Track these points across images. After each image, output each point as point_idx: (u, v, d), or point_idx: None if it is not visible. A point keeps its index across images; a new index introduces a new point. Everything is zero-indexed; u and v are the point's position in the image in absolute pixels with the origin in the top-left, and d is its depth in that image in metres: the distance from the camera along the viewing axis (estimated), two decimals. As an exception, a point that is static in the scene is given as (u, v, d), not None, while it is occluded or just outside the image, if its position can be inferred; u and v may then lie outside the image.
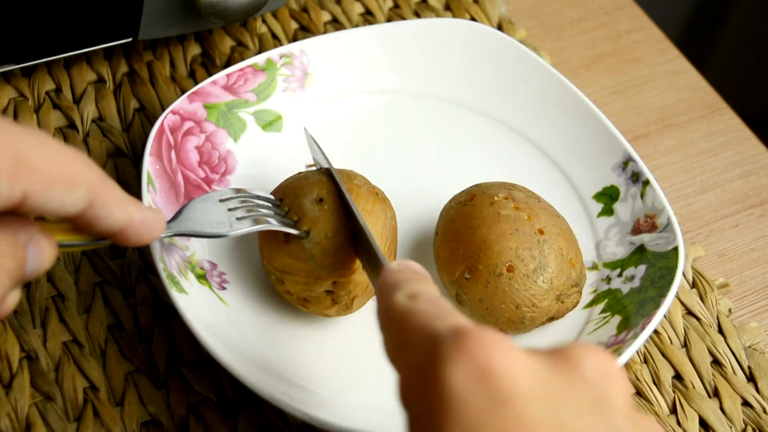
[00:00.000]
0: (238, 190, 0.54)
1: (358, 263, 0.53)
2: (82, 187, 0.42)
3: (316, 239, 0.53)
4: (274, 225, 0.52)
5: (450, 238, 0.56)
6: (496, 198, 0.56)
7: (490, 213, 0.55)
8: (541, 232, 0.55)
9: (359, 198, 0.55)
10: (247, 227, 0.52)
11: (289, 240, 0.53)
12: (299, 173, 0.57)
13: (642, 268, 0.58)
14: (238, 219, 0.52)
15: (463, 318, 0.38)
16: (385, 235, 0.55)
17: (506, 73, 0.66)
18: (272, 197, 0.55)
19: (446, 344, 0.34)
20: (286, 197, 0.55)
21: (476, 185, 0.58)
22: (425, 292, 0.40)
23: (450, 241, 0.56)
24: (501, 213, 0.55)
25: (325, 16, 0.73)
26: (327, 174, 0.55)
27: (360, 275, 0.53)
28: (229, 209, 0.52)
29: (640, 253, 0.59)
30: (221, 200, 0.53)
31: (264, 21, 0.72)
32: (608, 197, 0.62)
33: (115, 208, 0.44)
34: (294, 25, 0.72)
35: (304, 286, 0.54)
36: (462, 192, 0.58)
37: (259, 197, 0.54)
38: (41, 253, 0.43)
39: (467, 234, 0.55)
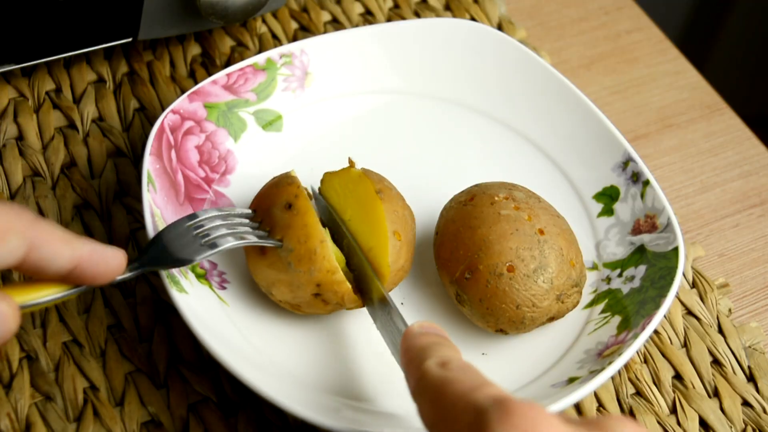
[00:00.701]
0: (209, 211, 0.53)
1: (336, 261, 0.53)
2: (12, 235, 0.42)
3: (290, 247, 0.52)
4: (233, 243, 0.52)
5: (450, 238, 0.56)
6: (496, 198, 0.56)
7: (491, 213, 0.55)
8: (541, 232, 0.55)
9: (391, 200, 0.55)
10: (208, 251, 0.51)
11: (265, 252, 0.53)
12: (272, 179, 0.56)
13: (642, 268, 0.58)
14: (203, 243, 0.51)
15: (498, 388, 0.40)
16: (408, 240, 0.55)
17: (506, 73, 0.66)
18: (248, 210, 0.55)
19: (493, 418, 0.37)
20: (259, 208, 0.55)
21: (476, 185, 0.58)
22: (454, 359, 0.43)
23: (450, 241, 0.56)
24: (501, 213, 0.55)
25: (325, 16, 0.73)
26: (293, 176, 0.55)
27: (343, 272, 0.53)
28: (196, 234, 0.52)
29: (640, 253, 0.59)
30: (188, 225, 0.52)
31: (264, 21, 0.72)
32: (608, 197, 0.62)
33: (57, 247, 0.44)
34: (294, 25, 0.72)
35: (290, 294, 0.54)
36: (462, 192, 0.58)
37: (231, 214, 0.54)
38: (1, 319, 0.43)
39: (467, 234, 0.55)
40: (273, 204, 0.54)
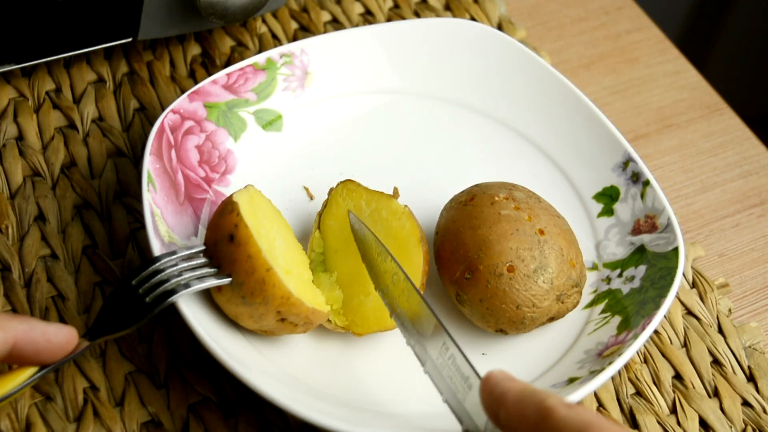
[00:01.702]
0: (157, 259, 0.51)
1: (290, 287, 0.51)
2: None
3: (239, 281, 0.51)
4: (175, 296, 0.50)
5: (450, 238, 0.56)
6: (496, 198, 0.56)
7: (491, 213, 0.55)
8: (541, 232, 0.55)
9: (425, 253, 0.55)
10: (152, 310, 0.50)
11: (220, 288, 0.52)
12: (219, 205, 0.54)
13: (642, 268, 0.58)
14: (148, 301, 0.50)
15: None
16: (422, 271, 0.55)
17: (507, 73, 0.66)
18: (200, 248, 0.53)
19: None
20: (208, 245, 0.53)
21: (477, 185, 0.58)
22: (570, 402, 0.43)
23: (450, 241, 0.56)
24: (501, 213, 0.55)
25: (325, 16, 0.73)
26: (235, 201, 0.52)
27: (300, 294, 0.52)
28: (142, 291, 0.51)
29: (640, 253, 0.59)
30: (134, 283, 0.51)
31: (264, 21, 0.72)
32: (608, 197, 0.62)
33: None
34: (294, 25, 0.72)
35: (256, 324, 0.53)
36: (462, 192, 0.58)
37: (183, 257, 0.52)
38: None
39: (468, 234, 0.55)
40: (217, 237, 0.52)
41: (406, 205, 0.56)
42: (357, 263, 0.55)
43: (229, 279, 0.51)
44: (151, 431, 0.53)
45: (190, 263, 0.52)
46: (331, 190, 0.58)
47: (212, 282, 0.51)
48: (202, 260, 0.52)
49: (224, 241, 0.51)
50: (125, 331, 0.50)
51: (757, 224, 0.66)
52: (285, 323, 0.52)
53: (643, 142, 0.69)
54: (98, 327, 0.50)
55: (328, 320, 0.55)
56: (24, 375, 0.47)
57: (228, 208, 0.52)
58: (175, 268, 0.52)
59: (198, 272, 0.52)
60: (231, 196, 0.53)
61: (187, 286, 0.51)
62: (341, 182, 0.58)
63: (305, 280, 0.54)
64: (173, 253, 0.52)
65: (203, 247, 0.53)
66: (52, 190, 0.62)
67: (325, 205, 0.58)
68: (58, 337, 0.48)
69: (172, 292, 0.51)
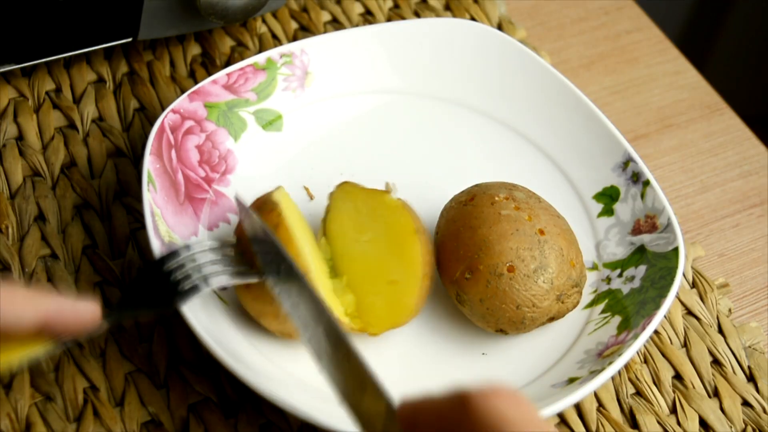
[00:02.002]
0: (189, 248, 0.51)
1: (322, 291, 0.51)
2: None
3: None
4: (210, 286, 0.50)
5: (450, 237, 0.56)
6: (496, 198, 0.56)
7: (491, 213, 0.55)
8: (541, 232, 0.55)
9: (425, 243, 0.54)
10: (187, 297, 0.49)
11: (249, 286, 0.52)
12: (258, 198, 0.54)
13: (642, 268, 0.58)
14: (181, 290, 0.49)
15: None
16: (431, 283, 0.55)
17: (507, 73, 0.66)
18: (230, 241, 0.53)
19: None
20: (242, 237, 0.53)
21: (477, 185, 0.58)
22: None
23: (450, 241, 0.56)
24: (502, 213, 0.55)
25: (325, 16, 0.73)
26: (275, 201, 0.52)
27: (329, 298, 0.52)
28: (174, 278, 0.50)
29: (640, 253, 0.59)
30: (166, 270, 0.50)
31: (264, 21, 0.72)
32: (608, 197, 0.62)
33: (19, 307, 0.45)
34: (294, 25, 0.72)
35: (278, 325, 0.53)
36: (463, 192, 0.58)
37: (213, 249, 0.51)
38: None
39: (468, 234, 0.55)
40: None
41: (399, 198, 0.56)
42: (363, 264, 0.55)
43: (262, 275, 0.51)
44: (151, 431, 0.53)
45: (222, 256, 0.52)
46: (331, 194, 0.58)
47: (245, 278, 0.51)
48: (232, 254, 0.52)
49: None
50: (151, 313, 0.50)
51: (757, 224, 0.66)
52: None
53: (643, 142, 0.69)
54: (123, 305, 0.50)
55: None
56: (25, 349, 0.46)
57: (268, 206, 0.52)
58: (208, 259, 0.51)
59: (232, 267, 0.51)
60: (270, 194, 0.53)
61: (222, 276, 0.50)
62: (339, 185, 0.58)
63: (327, 288, 0.54)
64: (205, 244, 0.52)
65: (234, 241, 0.53)
66: (52, 190, 0.62)
67: (327, 211, 0.58)
68: (86, 313, 0.47)
69: (206, 280, 0.50)
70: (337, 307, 0.53)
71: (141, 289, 0.50)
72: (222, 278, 0.50)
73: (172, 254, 0.50)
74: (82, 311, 0.47)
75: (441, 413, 0.40)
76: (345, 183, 0.58)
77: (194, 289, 0.49)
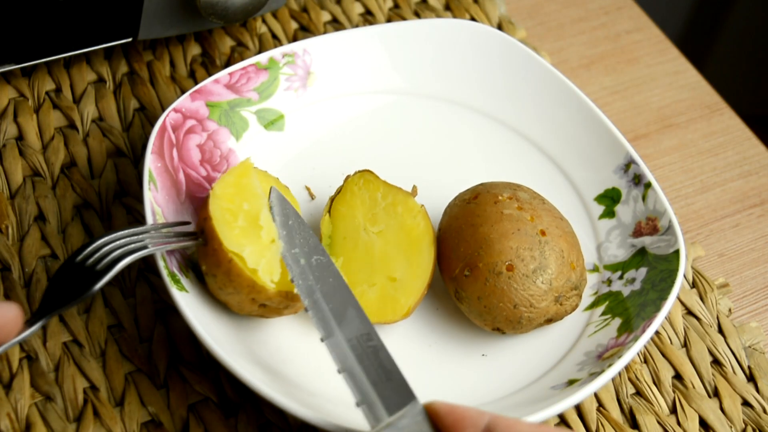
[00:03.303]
0: (104, 236, 0.50)
1: (259, 270, 0.52)
2: None
3: (212, 273, 0.52)
4: (130, 258, 0.49)
5: (452, 234, 0.56)
6: (500, 197, 0.56)
7: (493, 212, 0.55)
8: (543, 233, 0.55)
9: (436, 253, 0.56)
10: (105, 275, 0.49)
11: (206, 283, 0.53)
12: None
13: (643, 270, 0.58)
14: (99, 269, 0.49)
15: None
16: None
17: (507, 74, 0.66)
18: (185, 225, 0.54)
19: None
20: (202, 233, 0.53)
21: (481, 184, 0.58)
22: None
23: (452, 238, 0.56)
24: (504, 212, 0.55)
25: (325, 16, 0.73)
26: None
27: (270, 274, 0.52)
28: (91, 262, 0.49)
29: (641, 255, 0.59)
30: (80, 259, 0.49)
31: (264, 21, 0.72)
32: (610, 199, 0.62)
33: None
34: (294, 25, 0.72)
35: (243, 310, 0.53)
36: (467, 190, 0.58)
37: (132, 233, 0.51)
38: None
39: (469, 231, 0.55)
40: (197, 229, 0.54)
41: (422, 205, 0.57)
42: (364, 252, 0.56)
43: (192, 242, 0.53)
44: (151, 431, 0.53)
45: (146, 237, 0.52)
46: (348, 177, 0.58)
47: (181, 244, 0.52)
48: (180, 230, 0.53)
49: (200, 235, 0.53)
50: (74, 303, 0.48)
51: (757, 224, 0.66)
52: (267, 308, 0.53)
53: (643, 142, 0.69)
54: (45, 306, 0.48)
55: None
56: None
57: (207, 199, 0.53)
58: (125, 241, 0.50)
59: (155, 242, 0.51)
60: (214, 185, 0.54)
61: (141, 252, 0.50)
62: (359, 171, 0.59)
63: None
64: (123, 231, 0.51)
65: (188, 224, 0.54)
66: (52, 190, 0.62)
67: (338, 191, 0.58)
68: (7, 318, 0.46)
69: (123, 258, 0.49)
70: (271, 290, 0.54)
71: (60, 286, 0.49)
72: (139, 253, 0.50)
73: (85, 244, 0.50)
74: (1, 317, 0.45)
75: None
76: (367, 171, 0.58)
77: (110, 267, 0.49)
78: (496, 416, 0.45)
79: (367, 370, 0.48)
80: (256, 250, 0.52)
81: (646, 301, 0.56)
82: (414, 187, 0.59)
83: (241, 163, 0.55)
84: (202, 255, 0.53)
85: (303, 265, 0.52)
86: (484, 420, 0.45)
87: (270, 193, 0.54)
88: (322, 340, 0.49)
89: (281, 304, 0.53)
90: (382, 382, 0.48)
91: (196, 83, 0.67)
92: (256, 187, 0.54)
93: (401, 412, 0.46)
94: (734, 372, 0.59)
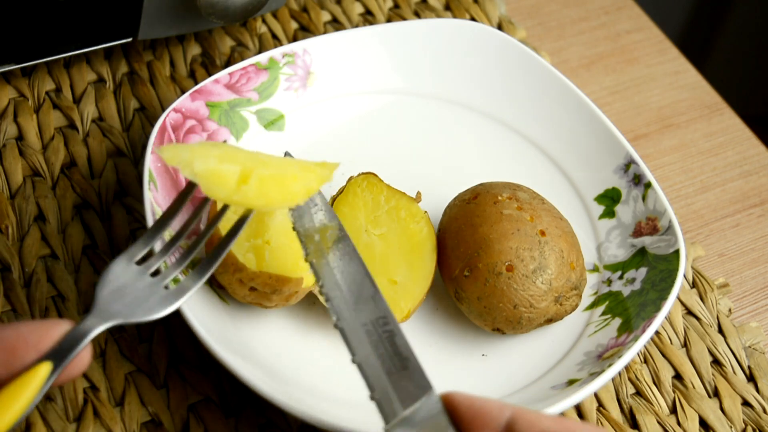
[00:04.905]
0: (150, 238, 0.49)
1: (234, 255, 0.52)
2: None
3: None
4: (195, 287, 0.48)
5: (452, 235, 0.56)
6: (499, 197, 0.56)
7: (493, 212, 0.55)
8: (542, 233, 0.55)
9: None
10: (173, 302, 0.47)
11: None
12: None
13: (643, 270, 0.58)
14: (166, 295, 0.47)
15: None
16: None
17: (507, 74, 0.66)
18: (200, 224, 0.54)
19: None
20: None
21: (481, 184, 0.58)
22: None
23: (452, 238, 0.56)
24: (504, 212, 0.55)
25: (325, 16, 0.73)
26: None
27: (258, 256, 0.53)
28: (152, 275, 0.47)
29: (641, 255, 0.59)
30: (137, 262, 0.47)
31: (264, 21, 0.72)
32: (610, 199, 0.62)
33: None
34: (294, 25, 0.72)
35: (237, 296, 0.54)
36: (467, 190, 0.58)
37: (179, 235, 0.50)
38: None
39: (469, 231, 0.55)
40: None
41: (426, 211, 0.57)
42: (364, 253, 0.56)
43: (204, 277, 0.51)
44: (151, 431, 0.53)
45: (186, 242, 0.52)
46: (351, 178, 0.58)
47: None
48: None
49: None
50: (132, 322, 0.46)
51: (757, 224, 0.66)
52: (258, 293, 0.53)
53: (643, 142, 0.69)
54: (96, 317, 0.45)
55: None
56: (35, 378, 0.41)
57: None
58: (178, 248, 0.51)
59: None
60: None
61: (200, 273, 0.48)
62: (362, 173, 0.59)
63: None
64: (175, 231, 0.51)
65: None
66: (52, 190, 0.62)
67: (340, 191, 0.58)
68: (41, 333, 0.42)
69: (191, 283, 0.48)
70: (253, 271, 0.54)
71: (113, 297, 0.46)
72: (203, 279, 0.48)
73: (139, 245, 0.48)
74: (35, 338, 0.42)
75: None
76: (370, 174, 0.59)
77: (183, 292, 0.48)
78: (519, 409, 0.43)
79: (382, 358, 0.46)
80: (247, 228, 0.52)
81: (646, 301, 0.56)
82: (418, 193, 0.59)
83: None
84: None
85: (318, 241, 0.50)
86: (506, 414, 0.43)
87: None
88: (335, 325, 0.48)
89: (267, 287, 0.52)
90: (397, 371, 0.46)
91: (196, 83, 0.67)
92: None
93: (417, 405, 0.45)
94: (734, 372, 0.59)
